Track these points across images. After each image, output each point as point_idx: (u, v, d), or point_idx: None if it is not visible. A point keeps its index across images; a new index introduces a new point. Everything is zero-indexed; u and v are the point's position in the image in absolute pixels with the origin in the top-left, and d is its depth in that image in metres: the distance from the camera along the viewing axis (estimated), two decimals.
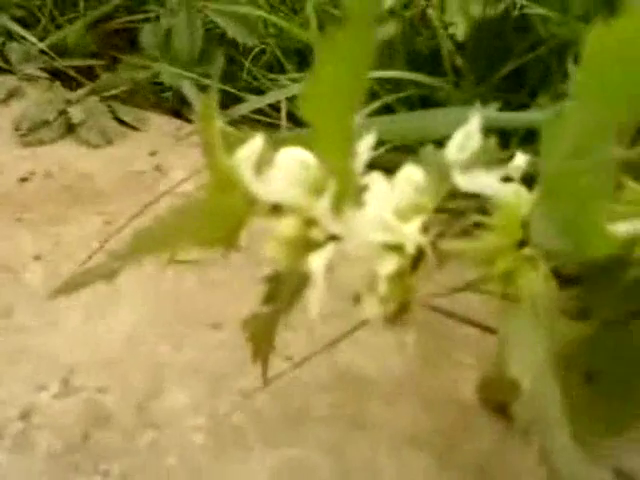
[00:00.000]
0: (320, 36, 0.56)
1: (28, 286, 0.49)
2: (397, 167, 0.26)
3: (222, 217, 0.28)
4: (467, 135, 0.27)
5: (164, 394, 0.41)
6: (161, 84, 0.69)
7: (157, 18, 0.72)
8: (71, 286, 0.30)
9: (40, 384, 0.42)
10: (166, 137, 0.64)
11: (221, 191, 0.27)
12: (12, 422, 0.40)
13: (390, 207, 0.25)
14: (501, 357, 0.25)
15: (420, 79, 0.50)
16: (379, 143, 0.28)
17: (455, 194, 0.28)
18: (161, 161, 0.61)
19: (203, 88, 0.65)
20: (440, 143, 0.28)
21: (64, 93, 0.69)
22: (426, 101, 0.52)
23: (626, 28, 0.21)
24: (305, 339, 0.43)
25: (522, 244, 0.25)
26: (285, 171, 0.25)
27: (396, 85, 0.52)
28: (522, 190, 0.26)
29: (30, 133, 0.65)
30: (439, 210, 0.27)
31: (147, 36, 0.71)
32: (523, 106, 0.46)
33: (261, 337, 0.34)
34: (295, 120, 0.57)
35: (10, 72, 0.74)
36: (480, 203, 0.28)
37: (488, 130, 0.29)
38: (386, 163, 0.27)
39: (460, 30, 0.50)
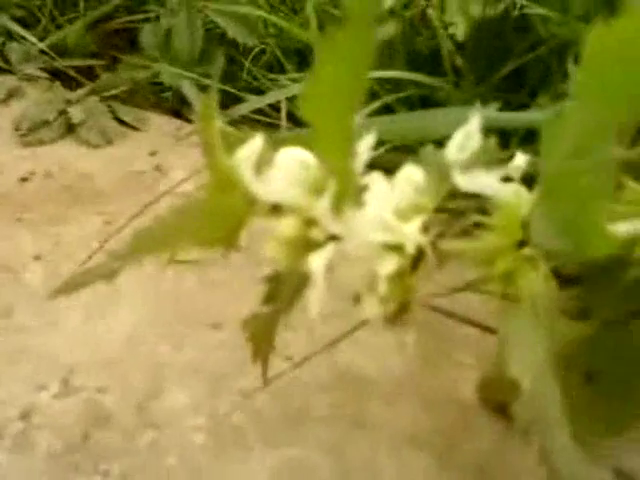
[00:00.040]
0: (320, 36, 0.56)
1: (28, 286, 0.49)
2: (397, 167, 0.26)
3: (222, 217, 0.28)
4: (467, 135, 0.27)
5: (164, 394, 0.41)
6: (161, 84, 0.69)
7: (157, 18, 0.72)
8: (71, 286, 0.30)
9: (40, 384, 0.42)
10: (166, 137, 0.64)
11: (221, 191, 0.27)
12: (12, 422, 0.40)
13: (390, 207, 0.25)
14: (501, 357, 0.25)
15: (420, 79, 0.50)
16: (379, 143, 0.28)
17: (455, 194, 0.28)
18: (161, 161, 0.61)
19: (203, 88, 0.65)
20: (440, 143, 0.28)
21: (64, 93, 0.69)
22: (426, 101, 0.52)
23: (626, 28, 0.21)
24: (305, 339, 0.43)
25: (522, 244, 0.25)
26: (285, 171, 0.25)
27: (396, 85, 0.52)
28: (522, 190, 0.26)
29: (30, 133, 0.65)
30: (439, 210, 0.27)
31: (147, 36, 0.71)
32: (523, 106, 0.46)
33: (261, 337, 0.34)
34: (295, 120, 0.57)
35: (10, 72, 0.74)
36: (480, 203, 0.28)
37: (488, 130, 0.29)
38: (386, 163, 0.27)
39: (460, 30, 0.50)
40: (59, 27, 0.77)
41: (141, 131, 0.65)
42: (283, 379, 0.41)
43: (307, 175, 0.25)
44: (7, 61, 0.74)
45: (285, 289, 0.32)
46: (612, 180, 0.23)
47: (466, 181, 0.26)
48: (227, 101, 0.63)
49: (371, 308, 0.26)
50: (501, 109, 0.41)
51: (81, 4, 0.77)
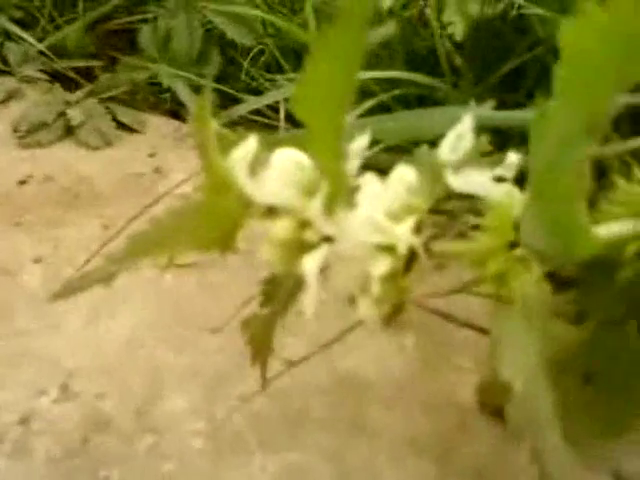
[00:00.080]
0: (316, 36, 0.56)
1: (28, 289, 0.49)
2: (391, 168, 0.26)
3: (218, 219, 0.28)
4: (459, 136, 0.27)
5: (163, 399, 0.41)
6: (160, 85, 0.69)
7: (156, 19, 0.72)
8: (69, 290, 0.30)
9: (40, 389, 0.42)
10: (165, 138, 0.64)
11: (216, 193, 0.27)
12: (12, 427, 0.40)
13: (382, 208, 0.25)
14: (493, 359, 0.25)
15: (418, 79, 0.50)
16: (373, 142, 0.28)
17: (451, 196, 0.28)
18: (160, 163, 0.61)
19: (201, 89, 0.65)
20: (434, 143, 0.28)
21: (63, 95, 0.69)
22: (423, 100, 0.52)
23: (593, 23, 0.20)
24: (304, 342, 0.43)
25: (514, 245, 0.25)
26: (280, 172, 0.26)
27: (394, 84, 0.52)
28: (514, 190, 0.25)
29: (29, 135, 0.65)
30: (435, 212, 0.27)
31: (146, 37, 0.71)
32: (520, 106, 0.46)
33: (259, 339, 0.34)
34: (293, 121, 0.57)
35: (9, 73, 0.74)
36: (475, 204, 0.28)
37: (484, 130, 0.29)
38: (380, 164, 0.27)
39: (458, 30, 0.49)
40: (58, 28, 0.77)
41: (140, 133, 0.65)
42: (282, 383, 0.40)
43: (301, 176, 0.25)
44: (6, 62, 0.75)
45: (281, 291, 0.32)
46: (588, 179, 0.23)
47: (458, 181, 0.26)
48: (225, 102, 0.63)
49: (365, 309, 0.25)
50: (498, 109, 0.41)
51: (80, 5, 0.77)
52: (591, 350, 0.28)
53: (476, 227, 0.26)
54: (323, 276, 0.25)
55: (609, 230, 0.24)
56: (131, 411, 0.40)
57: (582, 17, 0.21)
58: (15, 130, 0.65)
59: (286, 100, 0.58)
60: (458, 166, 0.27)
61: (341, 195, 0.25)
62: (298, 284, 0.27)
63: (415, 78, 0.51)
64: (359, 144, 0.27)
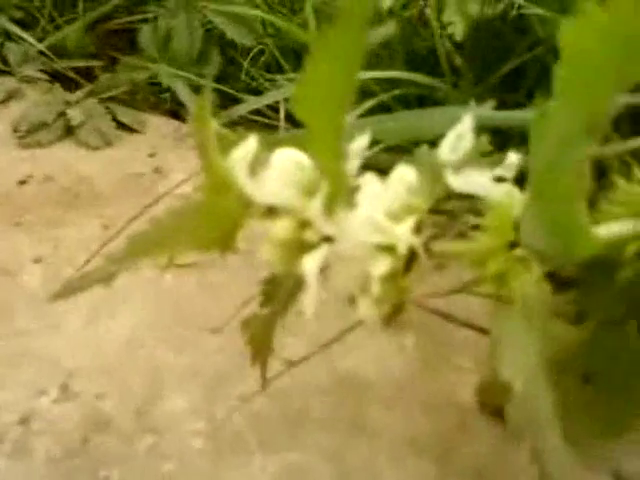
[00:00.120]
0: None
1: (28, 289, 0.49)
2: (391, 168, 0.26)
3: (218, 219, 0.28)
4: (459, 136, 0.27)
5: (163, 399, 0.41)
6: (160, 85, 0.69)
7: (156, 19, 0.72)
8: (69, 290, 0.30)
9: (40, 389, 0.42)
10: (165, 138, 0.64)
11: (216, 193, 0.27)
12: (12, 427, 0.40)
13: (382, 208, 0.25)
14: (493, 359, 0.25)
15: (418, 79, 0.50)
16: (373, 142, 0.28)
17: (450, 196, 0.28)
18: (160, 163, 0.61)
19: (201, 89, 0.65)
20: (434, 143, 0.28)
21: (63, 95, 0.69)
22: (423, 100, 0.52)
23: (593, 23, 0.20)
24: (305, 343, 0.43)
25: (514, 245, 0.25)
26: (280, 172, 0.26)
27: (394, 85, 0.52)
28: (514, 190, 0.25)
29: (29, 135, 0.65)
30: (436, 212, 0.27)
31: (146, 37, 0.71)
32: (520, 106, 0.46)
33: (259, 339, 0.34)
34: (293, 121, 0.57)
35: (9, 73, 0.74)
36: (475, 204, 0.28)
37: (485, 130, 0.29)
38: (380, 164, 0.27)
39: (458, 30, 0.49)
40: (58, 28, 0.77)
41: (140, 133, 0.65)
42: (283, 383, 0.40)
43: (301, 176, 0.25)
44: (6, 62, 0.75)
45: (282, 291, 0.32)
46: (588, 179, 0.23)
47: (458, 181, 0.26)
48: (226, 102, 0.63)
49: (365, 309, 0.26)
50: (499, 109, 0.41)
51: (80, 5, 0.77)
52: (591, 350, 0.28)
53: (476, 227, 0.26)
54: (323, 276, 0.25)
55: (609, 230, 0.24)
56: (131, 411, 0.40)
57: (582, 17, 0.21)
58: (15, 130, 0.65)
59: (286, 100, 0.58)
60: (458, 166, 0.27)
61: (341, 195, 0.25)
62: (298, 284, 0.27)
63: (415, 78, 0.51)
64: (359, 144, 0.27)
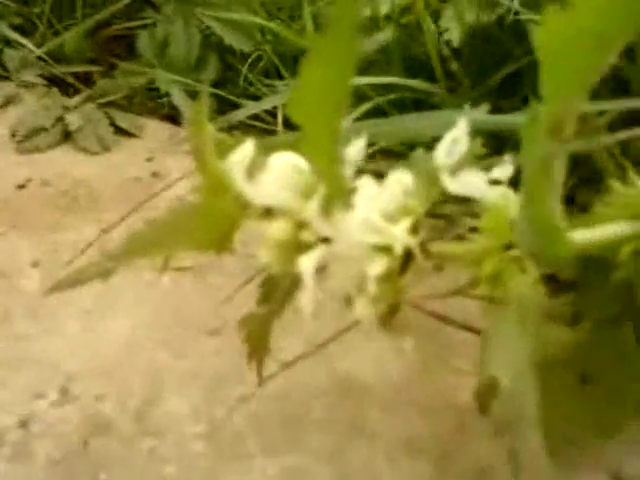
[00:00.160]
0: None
1: (26, 293, 0.49)
2: (388, 172, 0.26)
3: (215, 220, 0.28)
4: (455, 139, 0.28)
5: (163, 401, 0.41)
6: (158, 90, 0.69)
7: (154, 25, 0.72)
8: (66, 284, 0.31)
9: (39, 392, 0.42)
10: (163, 143, 0.65)
11: (213, 195, 0.28)
12: (11, 430, 0.40)
13: (379, 209, 0.25)
14: (483, 356, 0.25)
15: (415, 85, 0.50)
16: (369, 145, 0.28)
17: (447, 199, 0.28)
18: (158, 167, 0.61)
19: (199, 94, 0.66)
20: (430, 147, 0.28)
21: (61, 100, 0.69)
22: (420, 105, 0.52)
23: (557, 24, 0.21)
24: (303, 342, 0.43)
25: (510, 246, 0.25)
26: (277, 175, 0.26)
27: (391, 90, 0.52)
28: (509, 192, 0.26)
29: (27, 140, 0.65)
30: (434, 216, 0.27)
31: (144, 43, 0.71)
32: (516, 111, 0.46)
33: (256, 338, 0.34)
34: (291, 126, 0.57)
35: (7, 79, 0.74)
36: (472, 207, 0.28)
37: (480, 133, 0.29)
38: (377, 168, 0.27)
39: (455, 36, 0.50)
40: (56, 34, 0.77)
41: (138, 137, 0.66)
42: (282, 385, 0.41)
43: (298, 179, 0.26)
44: (4, 68, 0.75)
45: (278, 291, 0.32)
46: (557, 179, 0.23)
47: (454, 184, 0.26)
48: (224, 107, 0.64)
49: (362, 309, 0.26)
50: (495, 114, 0.41)
51: (78, 11, 0.77)
52: (588, 351, 0.28)
53: (473, 229, 0.27)
54: (321, 276, 0.26)
55: (604, 232, 0.25)
56: (131, 414, 0.40)
57: (546, 20, 0.21)
58: (13, 135, 0.66)
59: (284, 105, 0.59)
60: (454, 169, 0.27)
61: (338, 197, 0.25)
62: (295, 284, 0.28)
63: (412, 84, 0.52)
64: (356, 147, 0.27)
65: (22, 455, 0.38)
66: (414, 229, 0.25)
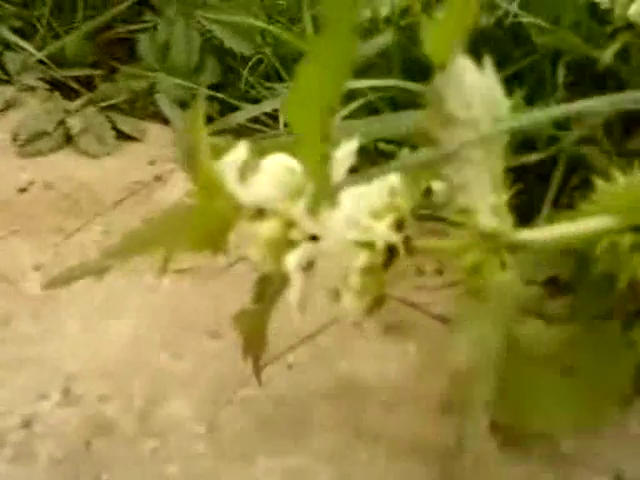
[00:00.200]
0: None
1: (28, 296, 0.50)
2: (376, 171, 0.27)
3: (209, 220, 0.29)
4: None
5: (165, 402, 0.41)
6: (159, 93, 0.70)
7: (155, 28, 0.73)
8: (63, 280, 0.31)
9: (41, 393, 0.42)
10: (165, 147, 0.65)
11: (208, 196, 0.28)
12: (14, 431, 0.40)
13: (365, 207, 0.26)
14: (448, 342, 0.26)
15: (415, 88, 0.51)
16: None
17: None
18: (160, 171, 0.62)
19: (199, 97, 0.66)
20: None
21: (63, 103, 0.70)
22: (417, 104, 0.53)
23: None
24: (306, 347, 0.43)
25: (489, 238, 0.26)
26: (269, 176, 0.27)
27: (390, 92, 0.53)
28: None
29: (28, 143, 0.65)
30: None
31: (145, 46, 0.72)
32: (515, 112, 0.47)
33: (251, 334, 0.35)
34: None
35: (8, 82, 0.74)
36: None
37: None
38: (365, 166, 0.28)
39: None
40: (57, 37, 0.77)
41: (140, 141, 0.66)
42: (284, 386, 0.41)
43: (289, 179, 0.27)
44: (5, 71, 0.75)
45: (271, 288, 0.33)
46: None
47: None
48: (225, 110, 0.64)
49: (348, 302, 0.27)
50: None
51: (79, 14, 0.78)
52: (572, 346, 0.29)
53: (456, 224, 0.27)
54: (311, 273, 0.27)
55: (585, 226, 0.26)
56: (133, 415, 0.41)
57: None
58: (15, 139, 0.66)
59: None
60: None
61: (325, 196, 0.26)
62: (285, 281, 0.29)
63: (412, 87, 0.52)
64: (348, 148, 0.28)
65: (24, 455, 0.39)
66: (399, 226, 0.26)
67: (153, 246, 0.30)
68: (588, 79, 0.45)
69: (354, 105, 0.50)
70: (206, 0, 0.72)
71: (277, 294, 0.32)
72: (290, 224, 0.27)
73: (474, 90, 0.28)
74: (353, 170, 0.27)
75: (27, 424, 0.40)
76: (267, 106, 0.60)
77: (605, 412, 0.29)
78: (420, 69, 0.54)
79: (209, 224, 0.28)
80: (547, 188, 0.42)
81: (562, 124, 0.41)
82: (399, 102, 0.52)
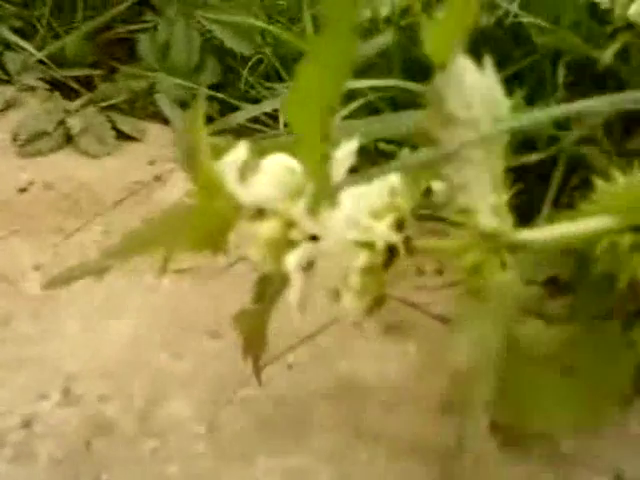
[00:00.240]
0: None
1: (28, 296, 0.50)
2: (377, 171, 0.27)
3: (209, 220, 0.29)
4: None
5: (165, 402, 0.41)
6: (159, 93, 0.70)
7: (155, 28, 0.73)
8: (63, 280, 0.32)
9: (41, 393, 0.42)
10: (165, 147, 0.65)
11: (208, 196, 0.28)
12: (14, 431, 0.40)
13: (365, 207, 0.26)
14: (448, 342, 0.26)
15: (416, 88, 0.51)
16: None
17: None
18: (160, 171, 0.62)
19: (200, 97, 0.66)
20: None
21: (63, 103, 0.70)
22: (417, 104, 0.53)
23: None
24: (306, 347, 0.43)
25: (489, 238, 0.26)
26: (269, 176, 0.27)
27: (390, 92, 0.53)
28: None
29: (28, 143, 0.65)
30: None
31: (145, 46, 0.72)
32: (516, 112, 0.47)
33: (251, 333, 0.35)
34: None
35: (8, 82, 0.74)
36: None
37: None
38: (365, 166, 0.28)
39: None
40: (57, 37, 0.78)
41: (140, 141, 0.66)
42: (284, 386, 0.41)
43: (290, 179, 0.27)
44: (5, 71, 0.75)
45: (271, 288, 0.33)
46: None
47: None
48: (225, 110, 0.64)
49: (348, 302, 0.27)
50: None
51: (79, 14, 0.78)
52: (570, 346, 0.29)
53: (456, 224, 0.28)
54: (311, 273, 0.27)
55: (586, 226, 0.26)
56: (133, 414, 0.41)
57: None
58: (15, 139, 0.66)
59: None
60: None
61: (325, 196, 0.26)
62: (286, 281, 0.29)
63: (412, 87, 0.52)
64: (349, 148, 0.28)
65: (24, 455, 0.39)
66: (399, 226, 0.26)
67: (153, 246, 0.30)
68: (588, 79, 0.45)
69: (354, 105, 0.50)
70: (206, 0, 0.73)
71: (277, 294, 0.32)
72: (290, 224, 0.27)
73: (474, 90, 0.28)
74: (353, 170, 0.27)
75: (27, 424, 0.40)
76: (267, 106, 0.60)
77: (605, 412, 0.29)
78: (420, 69, 0.54)
79: (209, 224, 0.28)
80: (547, 188, 0.42)
81: (562, 124, 0.41)
82: (399, 102, 0.52)
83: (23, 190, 0.60)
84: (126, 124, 0.67)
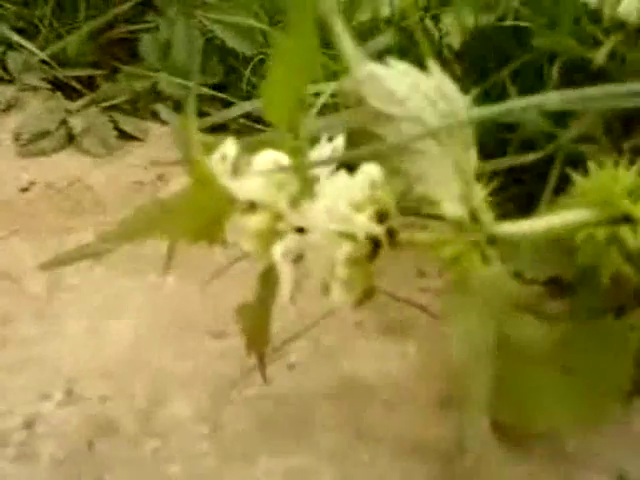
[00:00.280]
0: None
1: (30, 296, 0.50)
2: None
3: (204, 211, 0.29)
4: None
5: (167, 402, 0.41)
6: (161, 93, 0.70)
7: (156, 28, 0.73)
8: (60, 262, 0.32)
9: (43, 393, 0.42)
10: (167, 147, 0.65)
11: (202, 190, 0.29)
12: (16, 431, 0.40)
13: (347, 199, 0.27)
14: (445, 337, 0.26)
15: None
16: None
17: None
18: (162, 171, 0.62)
19: (201, 98, 0.66)
20: None
21: (64, 103, 0.70)
22: None
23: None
24: (309, 348, 0.43)
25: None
26: (260, 171, 0.28)
27: None
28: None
29: (30, 143, 0.65)
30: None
31: (147, 46, 0.72)
32: None
33: (254, 328, 0.35)
34: None
35: (10, 82, 0.74)
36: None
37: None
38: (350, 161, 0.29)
39: (455, 39, 0.50)
40: (59, 37, 0.78)
41: (142, 141, 0.66)
42: (286, 386, 0.41)
43: (278, 174, 0.28)
44: (7, 71, 0.75)
45: (271, 282, 0.33)
46: None
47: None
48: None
49: (338, 294, 0.27)
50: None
51: (81, 14, 0.78)
52: (571, 343, 0.29)
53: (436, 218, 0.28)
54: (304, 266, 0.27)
55: (564, 219, 0.26)
56: (135, 415, 0.41)
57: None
58: (16, 139, 0.66)
59: None
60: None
61: (306, 188, 0.27)
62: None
63: None
64: (335, 144, 0.28)
65: (26, 456, 0.39)
66: (380, 218, 0.26)
67: (149, 233, 0.30)
68: (584, 79, 0.45)
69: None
70: (208, 0, 0.72)
71: (276, 287, 0.32)
72: (278, 216, 0.28)
73: (406, 88, 0.29)
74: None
75: (29, 424, 0.40)
76: (258, 102, 0.60)
77: (605, 409, 0.29)
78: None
79: (204, 215, 0.29)
80: (545, 186, 0.41)
81: (560, 122, 0.41)
82: None
83: (25, 190, 0.60)
84: (128, 124, 0.67)
